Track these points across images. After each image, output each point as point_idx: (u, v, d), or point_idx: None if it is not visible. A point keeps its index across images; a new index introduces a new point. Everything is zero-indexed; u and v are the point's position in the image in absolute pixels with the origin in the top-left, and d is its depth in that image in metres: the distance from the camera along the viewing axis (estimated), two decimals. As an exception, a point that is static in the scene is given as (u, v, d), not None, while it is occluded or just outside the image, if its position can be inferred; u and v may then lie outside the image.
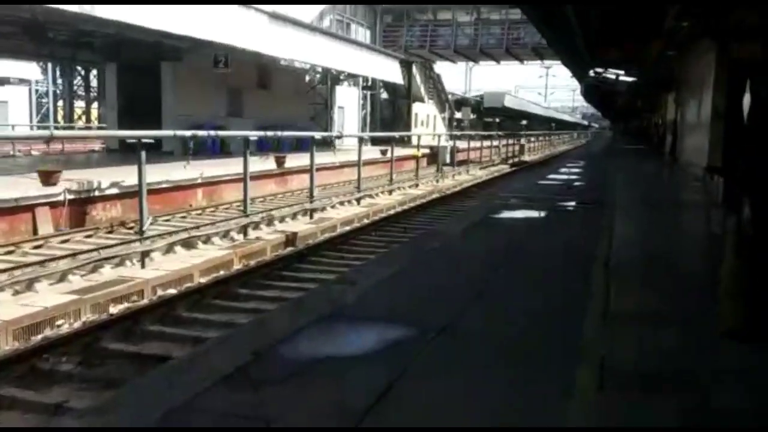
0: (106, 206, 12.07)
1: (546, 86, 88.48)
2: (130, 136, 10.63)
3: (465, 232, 7.88)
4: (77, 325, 6.53)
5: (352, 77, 31.57)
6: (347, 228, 12.77)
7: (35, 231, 10.53)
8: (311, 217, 13.56)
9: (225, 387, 3.05)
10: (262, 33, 18.65)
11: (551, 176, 16.45)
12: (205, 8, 15.88)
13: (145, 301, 7.41)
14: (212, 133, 13.72)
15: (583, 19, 11.35)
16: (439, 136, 28.63)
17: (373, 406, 2.84)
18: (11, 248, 9.50)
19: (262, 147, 19.55)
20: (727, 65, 10.78)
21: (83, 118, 33.82)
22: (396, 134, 24.39)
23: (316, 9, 28.54)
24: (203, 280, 8.44)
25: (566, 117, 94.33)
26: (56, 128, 31.06)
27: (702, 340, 3.79)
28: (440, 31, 33.86)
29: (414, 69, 35.60)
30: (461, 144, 30.60)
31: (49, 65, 32.70)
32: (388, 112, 37.22)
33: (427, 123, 38.53)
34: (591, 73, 22.06)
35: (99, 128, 29.64)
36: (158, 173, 13.28)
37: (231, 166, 14.58)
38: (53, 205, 10.97)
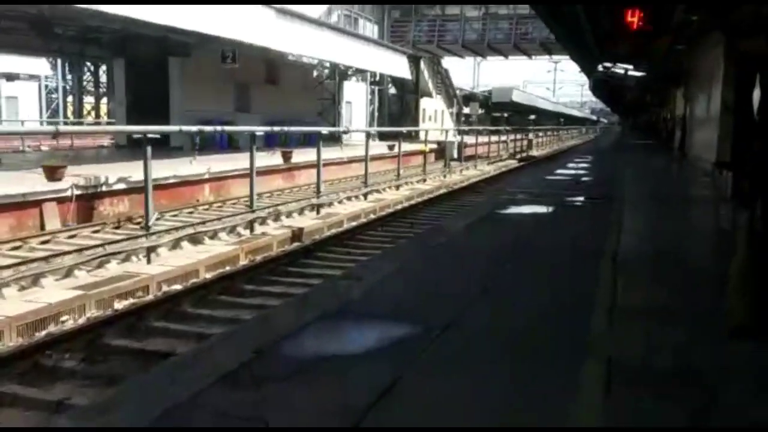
0: (114, 201, 12.09)
1: (554, 81, 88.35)
2: (135, 132, 10.64)
3: (472, 227, 7.82)
4: (82, 321, 6.52)
5: (360, 72, 31.51)
6: (354, 223, 12.74)
7: (42, 226, 10.54)
8: (318, 212, 13.53)
9: (227, 384, 3.01)
10: (270, 28, 18.64)
11: (559, 171, 16.35)
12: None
13: (150, 297, 7.40)
14: (218, 128, 13.69)
15: (591, 13, 11.24)
16: (447, 131, 28.54)
17: (376, 404, 2.80)
18: (18, 243, 9.51)
19: (270, 142, 19.57)
20: (736, 59, 10.66)
21: (92, 113, 33.93)
22: (403, 129, 24.30)
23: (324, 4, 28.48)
24: (209, 275, 8.43)
25: (575, 112, 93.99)
26: (65, 123, 31.25)
27: (711, 337, 3.74)
28: (448, 26, 33.68)
29: (422, 64, 35.49)
30: (469, 139, 30.50)
31: (59, 61, 32.81)
32: (396, 108, 37.14)
33: (435, 118, 38.42)
34: (600, 67, 21.87)
35: (108, 124, 29.71)
36: (166, 168, 13.29)
37: (238, 162, 14.57)
38: (61, 201, 10.98)
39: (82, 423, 2.81)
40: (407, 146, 23.13)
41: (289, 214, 13.06)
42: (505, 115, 59.43)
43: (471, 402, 2.90)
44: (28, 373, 5.19)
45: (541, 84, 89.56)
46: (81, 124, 30.30)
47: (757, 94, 4.02)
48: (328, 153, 17.83)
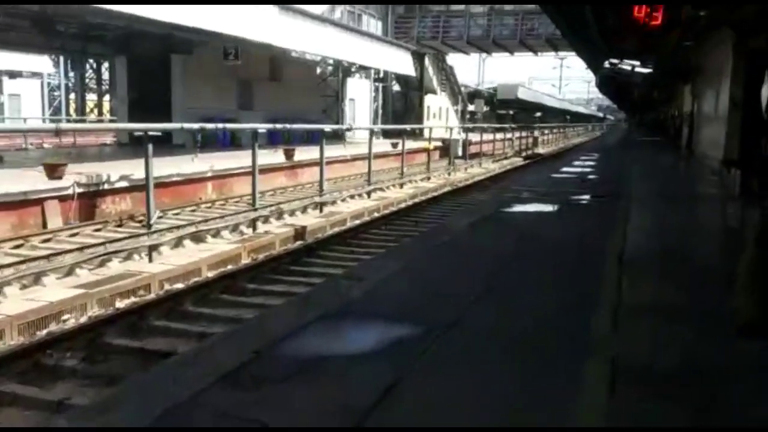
0: (116, 199, 12.04)
1: (560, 78, 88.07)
2: (136, 129, 10.59)
3: (476, 225, 7.75)
4: (83, 319, 6.47)
5: (364, 69, 31.40)
6: (357, 222, 12.68)
7: (44, 224, 10.50)
8: (321, 210, 13.46)
9: (228, 384, 2.96)
10: (273, 24, 18.54)
11: (565, 169, 16.25)
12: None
13: (151, 296, 7.35)
14: (220, 125, 13.62)
15: (598, 9, 11.15)
16: (451, 129, 28.43)
17: (377, 404, 2.75)
18: (20, 242, 9.47)
19: (274, 140, 19.48)
20: (745, 55, 10.56)
21: (95, 110, 33.92)
22: (407, 127, 24.19)
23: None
24: (211, 274, 8.37)
25: (581, 109, 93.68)
26: (68, 121, 31.20)
27: (718, 336, 3.67)
28: (453, 22, 33.55)
29: (426, 61, 35.37)
30: (474, 137, 30.38)
31: (61, 58, 32.81)
32: (400, 105, 37.02)
33: (440, 115, 38.31)
34: (606, 64, 21.75)
35: (111, 121, 29.69)
36: (168, 166, 13.24)
37: (241, 159, 14.51)
38: (63, 199, 10.94)
39: (83, 422, 2.76)
40: (411, 144, 23.04)
41: (291, 213, 13.00)
42: (511, 112, 59.26)
43: (474, 402, 2.85)
44: (28, 372, 5.14)
45: (546, 81, 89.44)
46: (83, 121, 30.28)
47: (765, 91, 3.95)
48: (331, 151, 17.76)
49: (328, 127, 18.03)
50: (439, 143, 27.62)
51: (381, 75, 33.39)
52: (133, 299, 7.20)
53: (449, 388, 2.99)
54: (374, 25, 33.33)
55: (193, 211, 12.96)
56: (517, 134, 38.20)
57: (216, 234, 10.72)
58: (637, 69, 20.64)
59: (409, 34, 33.42)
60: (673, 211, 9.10)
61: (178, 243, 9.86)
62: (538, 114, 65.62)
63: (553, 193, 10.69)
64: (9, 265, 7.70)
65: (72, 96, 34.89)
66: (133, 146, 18.20)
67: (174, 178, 13.44)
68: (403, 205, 15.06)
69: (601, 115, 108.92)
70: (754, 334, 3.54)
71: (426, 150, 23.15)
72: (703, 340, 3.65)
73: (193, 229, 10.48)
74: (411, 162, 22.66)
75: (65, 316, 6.48)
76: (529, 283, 4.96)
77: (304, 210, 13.44)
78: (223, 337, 4.30)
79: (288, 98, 24.66)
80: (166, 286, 7.74)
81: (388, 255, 6.86)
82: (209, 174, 14.67)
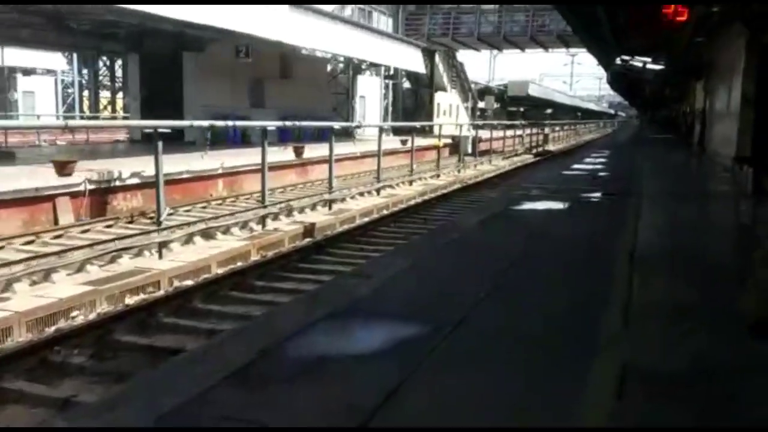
0: (127, 196, 12.09)
1: (571, 74, 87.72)
2: (146, 126, 10.61)
3: (485, 223, 7.70)
4: (92, 316, 6.49)
5: (374, 66, 31.37)
6: (366, 219, 12.66)
7: (56, 221, 10.56)
8: (330, 207, 13.46)
9: (233, 383, 2.95)
10: (284, 22, 18.56)
11: (576, 166, 16.14)
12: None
13: (161, 293, 7.36)
14: (230, 123, 13.64)
15: (610, 6, 11.09)
16: (461, 126, 28.34)
17: (383, 404, 2.72)
18: (32, 238, 9.53)
19: (284, 137, 19.51)
20: (757, 51, 10.45)
21: (108, 108, 34.12)
22: (417, 124, 24.14)
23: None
24: (220, 271, 8.39)
25: (592, 106, 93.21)
26: (81, 118, 31.43)
27: (729, 334, 3.63)
28: (463, 19, 33.45)
29: (436, 58, 35.28)
30: (484, 134, 30.27)
31: (74, 55, 32.98)
32: (411, 102, 36.96)
33: (450, 112, 38.22)
34: (617, 60, 21.63)
35: (124, 118, 29.85)
36: (180, 163, 13.29)
37: (252, 156, 14.51)
38: (74, 195, 11.00)
39: (91, 418, 2.75)
40: (421, 141, 22.99)
41: (301, 210, 13.00)
42: (521, 109, 59.05)
43: (481, 402, 2.82)
44: (36, 369, 5.16)
45: (557, 77, 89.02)
46: (96, 118, 30.45)
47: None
48: (341, 148, 17.75)
49: (337, 125, 18.04)
50: (449, 140, 27.55)
51: (391, 72, 33.33)
52: (142, 296, 7.23)
53: (456, 387, 2.96)
54: (385, 22, 33.28)
55: (204, 208, 13.00)
56: (527, 131, 38.05)
57: (226, 231, 10.74)
58: (649, 65, 20.51)
59: (419, 30, 33.35)
60: (684, 208, 9.02)
61: (188, 240, 9.88)
62: (549, 111, 65.34)
63: (563, 191, 10.62)
64: (19, 261, 7.75)
65: (86, 93, 35.09)
66: (145, 143, 18.25)
67: (185, 175, 13.49)
68: (412, 203, 15.03)
69: (612, 111, 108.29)
70: (767, 332, 3.51)
71: (436, 147, 23.09)
72: (715, 338, 3.61)
73: (203, 225, 10.50)
74: (421, 159, 22.61)
75: (74, 313, 6.50)
76: (538, 281, 4.92)
77: (313, 207, 13.43)
78: (232, 334, 4.30)
79: (299, 96, 24.67)
80: (176, 283, 7.76)
81: (396, 252, 6.84)
82: (220, 171, 14.71)
